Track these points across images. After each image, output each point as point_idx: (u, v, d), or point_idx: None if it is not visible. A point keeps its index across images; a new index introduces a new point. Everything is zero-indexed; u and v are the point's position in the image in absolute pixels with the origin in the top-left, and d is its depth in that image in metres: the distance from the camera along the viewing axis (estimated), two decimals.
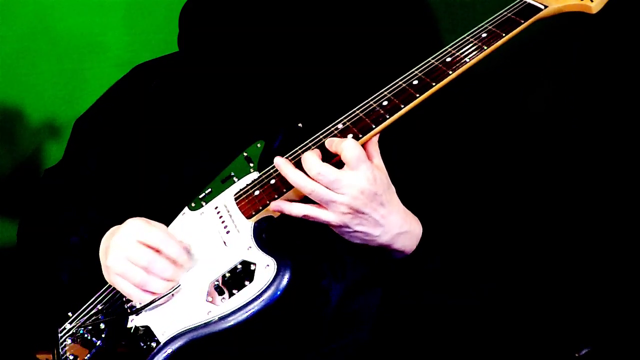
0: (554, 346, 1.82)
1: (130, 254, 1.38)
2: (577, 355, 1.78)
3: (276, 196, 1.41)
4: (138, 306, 1.43)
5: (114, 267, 1.40)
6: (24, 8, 2.06)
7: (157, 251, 1.39)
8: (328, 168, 1.33)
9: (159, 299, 1.40)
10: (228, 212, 1.46)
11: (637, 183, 1.84)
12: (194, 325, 1.36)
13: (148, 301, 1.40)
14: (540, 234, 1.87)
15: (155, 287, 1.39)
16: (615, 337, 1.83)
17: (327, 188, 1.33)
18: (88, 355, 1.44)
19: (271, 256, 1.36)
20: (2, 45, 2.08)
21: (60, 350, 1.50)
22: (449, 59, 1.42)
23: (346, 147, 1.33)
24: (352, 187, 1.33)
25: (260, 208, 1.42)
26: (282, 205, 1.38)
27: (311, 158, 1.34)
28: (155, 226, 1.42)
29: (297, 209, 1.37)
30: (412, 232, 1.44)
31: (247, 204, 1.44)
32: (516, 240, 1.77)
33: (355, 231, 1.38)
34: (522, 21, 1.42)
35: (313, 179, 1.33)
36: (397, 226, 1.41)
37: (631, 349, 1.82)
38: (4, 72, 2.11)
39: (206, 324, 1.35)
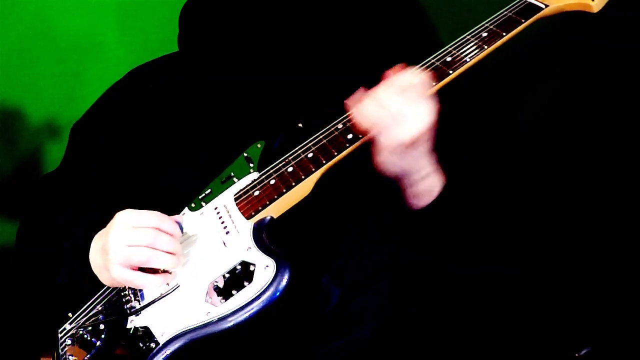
0: (554, 346, 1.82)
1: (130, 239, 1.37)
2: (577, 355, 1.78)
3: (276, 196, 1.42)
4: (137, 307, 1.43)
5: (117, 257, 1.38)
6: (24, 8, 2.06)
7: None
8: None
9: (160, 298, 1.40)
10: (228, 212, 1.46)
11: (637, 182, 1.84)
12: (193, 326, 1.36)
13: (154, 283, 1.40)
14: (540, 234, 1.87)
15: (161, 262, 1.38)
16: (615, 337, 1.83)
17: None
18: (87, 355, 1.44)
19: (270, 257, 1.36)
20: (2, 45, 2.09)
21: (60, 350, 1.50)
22: (449, 59, 1.42)
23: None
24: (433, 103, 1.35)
25: (260, 208, 1.42)
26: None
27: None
28: (145, 211, 1.42)
29: (371, 107, 1.36)
30: (436, 177, 1.45)
31: (247, 204, 1.44)
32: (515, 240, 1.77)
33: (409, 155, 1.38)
34: (523, 20, 1.42)
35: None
36: (429, 164, 1.42)
37: (631, 349, 1.82)
38: (4, 72, 2.11)
39: (205, 325, 1.35)
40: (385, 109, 1.34)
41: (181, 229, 1.44)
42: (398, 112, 1.33)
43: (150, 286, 1.41)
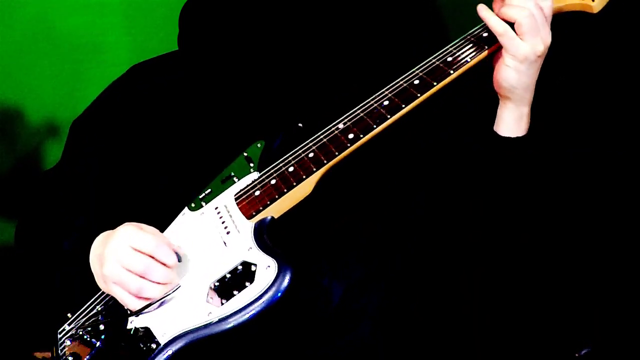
0: (554, 346, 1.82)
1: (125, 261, 1.37)
2: (577, 355, 1.78)
3: (276, 196, 1.41)
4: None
5: (111, 275, 1.38)
6: (24, 8, 2.06)
7: (151, 257, 1.38)
8: None
9: (155, 302, 1.40)
10: (228, 212, 1.46)
11: (637, 183, 1.84)
12: (194, 327, 1.35)
13: (142, 306, 1.39)
14: (539, 234, 1.87)
15: (152, 293, 1.38)
16: (615, 337, 1.83)
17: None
18: (87, 356, 1.44)
19: (272, 257, 1.36)
20: (2, 45, 2.09)
21: (59, 351, 1.50)
22: (450, 59, 1.42)
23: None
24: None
25: (261, 208, 1.42)
26: (486, 15, 1.41)
27: None
28: (147, 231, 1.40)
29: (496, 22, 1.39)
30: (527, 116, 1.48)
31: (248, 204, 1.44)
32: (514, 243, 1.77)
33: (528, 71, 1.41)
34: None
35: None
36: (533, 90, 1.45)
37: (631, 349, 1.82)
38: (4, 72, 2.11)
39: (206, 325, 1.34)
40: (531, 16, 1.37)
41: (179, 257, 1.42)
42: (541, 22, 1.38)
43: (136, 308, 1.40)
